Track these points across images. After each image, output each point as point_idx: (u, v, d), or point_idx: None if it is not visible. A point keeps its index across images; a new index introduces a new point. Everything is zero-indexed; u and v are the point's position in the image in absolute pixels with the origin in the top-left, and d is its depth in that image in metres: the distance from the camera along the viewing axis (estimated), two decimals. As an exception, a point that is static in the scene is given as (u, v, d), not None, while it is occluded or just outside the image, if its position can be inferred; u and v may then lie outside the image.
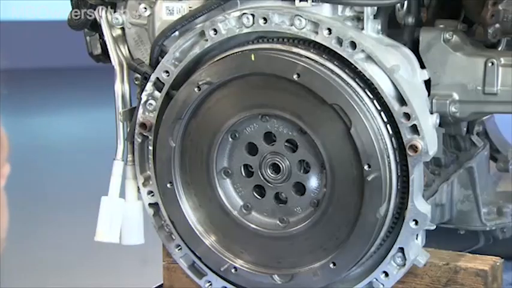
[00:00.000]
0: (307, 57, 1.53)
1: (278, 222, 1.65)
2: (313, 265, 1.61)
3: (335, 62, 1.53)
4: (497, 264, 1.62)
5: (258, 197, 1.66)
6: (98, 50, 1.85)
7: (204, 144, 1.64)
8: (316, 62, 1.52)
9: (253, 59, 1.54)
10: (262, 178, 1.64)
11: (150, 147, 1.71)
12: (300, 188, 1.62)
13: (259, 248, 1.66)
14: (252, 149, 1.64)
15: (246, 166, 1.66)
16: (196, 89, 1.59)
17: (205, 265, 1.73)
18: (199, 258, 1.73)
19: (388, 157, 1.50)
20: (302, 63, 1.51)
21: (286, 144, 1.60)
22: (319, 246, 1.60)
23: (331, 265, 1.58)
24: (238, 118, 1.60)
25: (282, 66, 1.52)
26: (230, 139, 1.64)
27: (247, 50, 1.58)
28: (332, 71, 1.51)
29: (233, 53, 1.59)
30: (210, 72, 1.58)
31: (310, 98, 1.52)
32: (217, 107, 1.61)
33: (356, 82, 1.52)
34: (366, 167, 1.49)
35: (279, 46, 1.57)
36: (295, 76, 1.50)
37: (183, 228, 1.70)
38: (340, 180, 1.54)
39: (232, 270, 1.69)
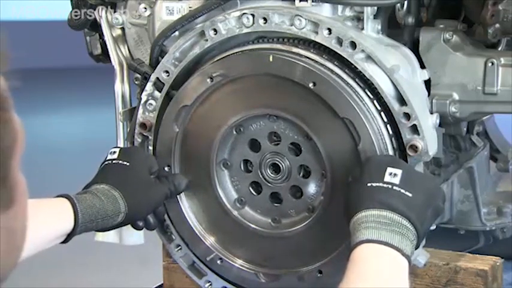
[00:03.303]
0: (308, 57, 1.53)
1: (270, 221, 1.65)
2: (300, 269, 1.61)
3: (335, 62, 1.53)
4: (497, 264, 1.62)
5: (254, 193, 1.66)
6: (98, 50, 1.85)
7: (208, 134, 1.64)
8: (325, 67, 1.52)
9: (271, 59, 1.54)
10: (260, 176, 1.64)
11: (150, 147, 1.71)
12: (297, 192, 1.62)
13: (248, 244, 1.66)
14: (255, 146, 1.64)
15: (246, 161, 1.66)
16: (208, 80, 1.59)
17: (195, 255, 1.73)
18: (188, 245, 1.72)
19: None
20: (315, 70, 1.51)
21: (290, 146, 1.60)
22: (308, 252, 1.60)
23: (317, 273, 1.58)
24: (246, 114, 1.60)
25: (299, 72, 1.51)
26: (234, 133, 1.64)
27: (262, 49, 1.57)
28: (347, 84, 1.51)
29: (245, 50, 1.59)
30: (225, 65, 1.58)
31: (321, 107, 1.51)
32: (226, 100, 1.61)
33: (356, 82, 1.52)
34: None
35: (279, 46, 1.57)
36: (311, 84, 1.50)
37: (174, 215, 1.70)
38: (339, 192, 1.53)
39: (218, 262, 1.69)
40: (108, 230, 1.59)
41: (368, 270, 1.29)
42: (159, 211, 1.67)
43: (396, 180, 1.39)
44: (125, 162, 1.61)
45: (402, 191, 1.38)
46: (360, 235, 1.34)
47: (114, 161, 1.62)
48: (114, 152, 1.64)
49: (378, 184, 1.39)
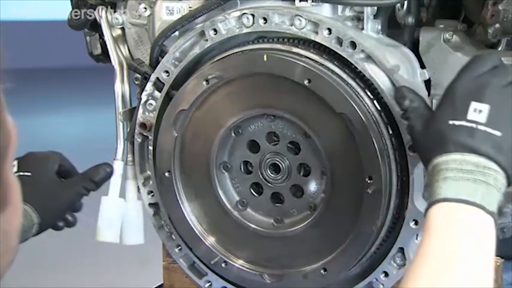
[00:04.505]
0: (307, 57, 1.53)
1: (273, 221, 1.65)
2: (304, 268, 1.61)
3: (335, 62, 1.53)
4: (497, 264, 1.62)
5: (255, 194, 1.66)
6: (98, 50, 1.85)
7: (207, 137, 1.64)
8: (324, 66, 1.52)
9: (265, 59, 1.54)
10: (261, 176, 1.64)
11: (150, 147, 1.71)
12: (298, 191, 1.62)
13: (251, 246, 1.66)
14: (254, 147, 1.64)
15: (245, 163, 1.66)
16: (204, 82, 1.59)
17: (197, 257, 1.73)
18: (191, 249, 1.72)
19: (389, 157, 1.50)
20: (310, 67, 1.51)
21: (288, 145, 1.60)
22: (311, 250, 1.60)
23: (322, 271, 1.58)
24: (244, 115, 1.60)
25: (294, 70, 1.51)
26: (233, 135, 1.64)
27: (260, 49, 1.57)
28: (343, 79, 1.51)
29: (244, 51, 1.59)
30: (220, 67, 1.58)
31: (318, 104, 1.51)
32: (223, 102, 1.61)
33: (356, 82, 1.52)
34: (367, 179, 1.49)
35: (279, 46, 1.57)
36: (306, 81, 1.50)
37: (176, 218, 1.70)
38: (339, 189, 1.54)
39: (223, 265, 1.69)
40: (25, 241, 1.56)
41: (444, 241, 1.16)
42: (77, 206, 1.65)
43: (482, 118, 1.22)
44: (26, 173, 1.60)
45: (489, 130, 1.22)
46: (437, 189, 1.20)
47: (15, 175, 1.59)
48: (14, 166, 1.61)
49: (460, 123, 1.23)
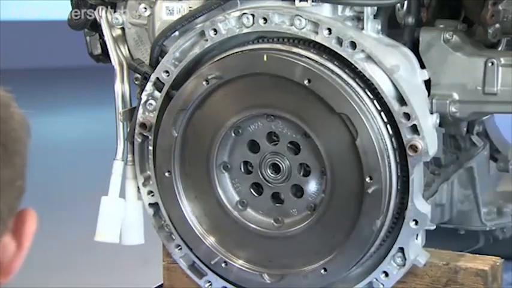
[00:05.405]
0: (307, 57, 1.53)
1: (273, 221, 1.65)
2: (304, 268, 1.61)
3: (335, 62, 1.53)
4: (497, 264, 1.62)
5: (255, 194, 1.66)
6: (98, 50, 1.85)
7: (207, 137, 1.64)
8: (324, 66, 1.52)
9: (265, 59, 1.54)
10: (261, 176, 1.64)
11: (150, 147, 1.71)
12: (298, 191, 1.62)
13: (251, 246, 1.66)
14: (254, 147, 1.64)
15: (246, 163, 1.66)
16: (204, 82, 1.59)
17: (197, 257, 1.73)
18: (191, 249, 1.72)
19: (389, 157, 1.50)
20: (310, 67, 1.51)
21: (288, 145, 1.60)
22: (311, 251, 1.60)
23: (322, 271, 1.58)
24: (244, 115, 1.60)
25: (294, 70, 1.51)
26: (233, 135, 1.64)
27: (260, 49, 1.57)
28: (342, 79, 1.51)
29: (244, 51, 1.59)
30: (220, 67, 1.58)
31: (318, 104, 1.52)
32: (223, 102, 1.61)
33: (356, 82, 1.52)
34: (367, 179, 1.49)
35: (279, 46, 1.57)
36: (305, 81, 1.50)
37: (176, 218, 1.70)
38: (339, 188, 1.54)
39: (223, 265, 1.68)
40: None
41: None
42: None
43: None
44: None
45: None
46: None
47: None
48: None
49: None
